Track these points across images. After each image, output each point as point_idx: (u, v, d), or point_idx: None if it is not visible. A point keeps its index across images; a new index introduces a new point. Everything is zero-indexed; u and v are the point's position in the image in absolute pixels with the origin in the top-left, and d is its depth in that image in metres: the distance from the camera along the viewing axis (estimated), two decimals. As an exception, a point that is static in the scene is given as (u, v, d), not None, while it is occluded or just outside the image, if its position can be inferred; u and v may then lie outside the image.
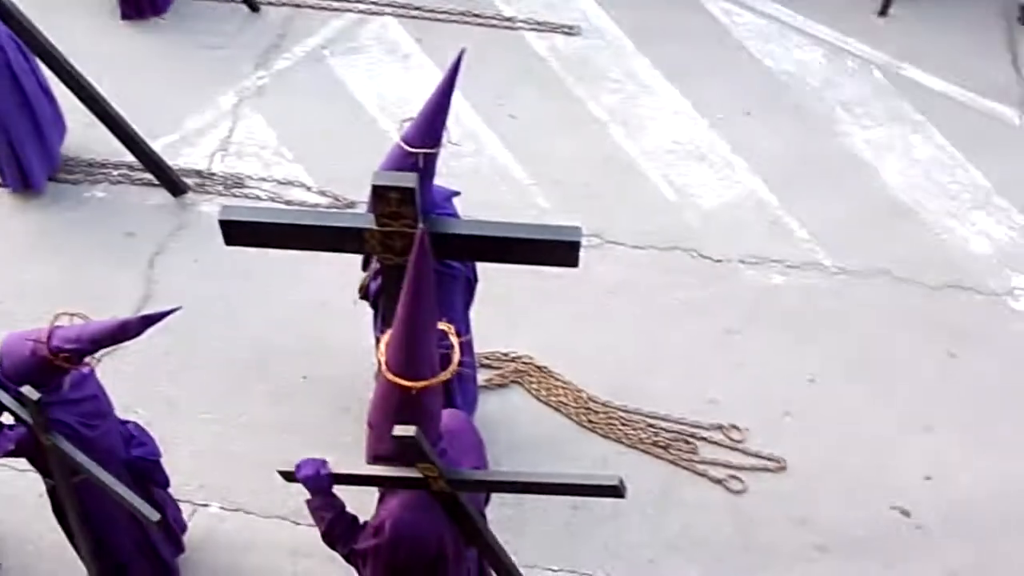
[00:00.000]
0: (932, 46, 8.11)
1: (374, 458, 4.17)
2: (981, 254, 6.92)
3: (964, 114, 7.70)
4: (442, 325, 4.07)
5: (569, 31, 8.11)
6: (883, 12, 8.30)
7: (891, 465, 5.97)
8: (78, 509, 4.83)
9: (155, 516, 4.52)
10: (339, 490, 4.29)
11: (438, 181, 5.19)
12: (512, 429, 6.05)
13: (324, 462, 4.21)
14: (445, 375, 4.00)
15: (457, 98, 7.34)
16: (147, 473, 5.01)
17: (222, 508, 5.80)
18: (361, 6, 8.27)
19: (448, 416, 4.39)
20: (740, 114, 7.64)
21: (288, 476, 4.29)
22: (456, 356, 4.05)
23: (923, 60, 8.01)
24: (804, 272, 6.78)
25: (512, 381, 6.24)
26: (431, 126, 4.81)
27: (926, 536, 5.72)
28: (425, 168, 4.79)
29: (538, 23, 8.16)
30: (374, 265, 5.25)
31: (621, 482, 4.15)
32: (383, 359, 3.95)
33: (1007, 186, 7.27)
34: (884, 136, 7.55)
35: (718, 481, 5.87)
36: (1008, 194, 7.23)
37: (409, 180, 4.58)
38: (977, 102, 7.80)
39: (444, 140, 4.89)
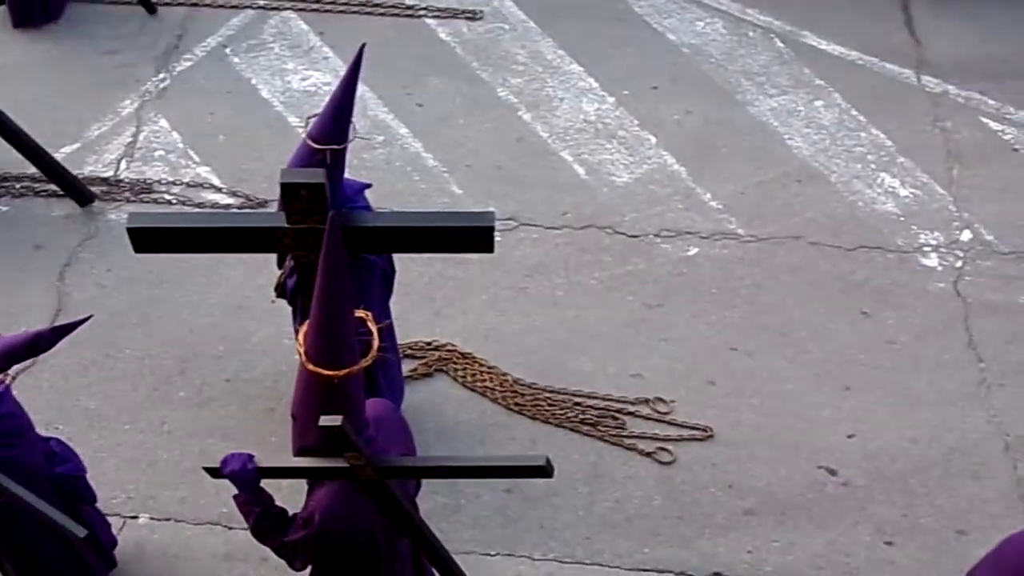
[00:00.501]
0: (829, 13, 8.25)
1: (301, 450, 4.16)
2: (889, 214, 7.06)
3: (864, 77, 7.85)
4: (359, 312, 4.06)
5: (472, 16, 8.10)
6: (780, -19, 8.42)
7: (815, 426, 6.07)
8: (2, 530, 4.73)
9: (82, 533, 4.45)
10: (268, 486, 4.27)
11: (349, 174, 5.16)
12: (439, 417, 6.05)
13: (251, 456, 4.19)
14: (366, 361, 4.00)
15: (363, 90, 7.37)
16: (72, 490, 4.92)
17: (152, 519, 5.73)
18: (260, 1, 8.18)
19: (374, 405, 4.39)
20: (647, 90, 7.70)
21: (214, 472, 4.25)
22: (376, 342, 4.05)
23: (821, 27, 8.14)
24: (719, 242, 6.86)
25: (437, 370, 6.23)
26: (337, 123, 4.78)
27: (853, 493, 5.83)
28: (333, 163, 4.76)
29: (440, 10, 8.14)
30: (289, 263, 5.22)
31: (548, 461, 4.17)
32: (302, 350, 3.94)
33: (910, 146, 7.43)
34: (788, 103, 7.67)
35: (648, 454, 5.92)
36: (911, 154, 7.38)
37: (318, 176, 4.54)
38: (876, 65, 7.96)
39: (351, 135, 4.86)
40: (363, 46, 4.90)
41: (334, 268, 3.82)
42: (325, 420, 3.84)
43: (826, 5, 8.29)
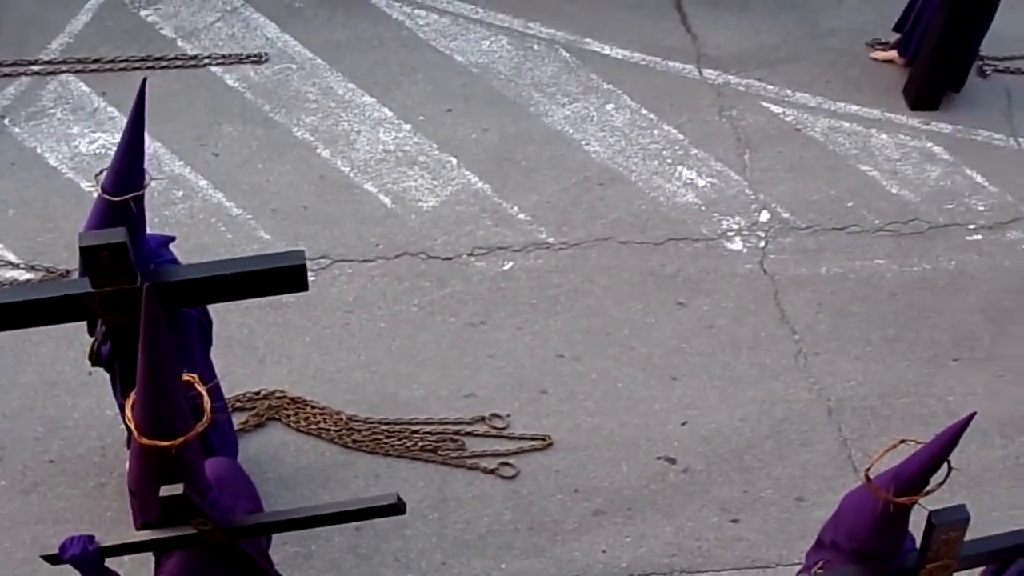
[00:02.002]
0: (608, 19, 8.46)
1: (144, 525, 4.02)
2: (691, 204, 7.28)
3: (650, 77, 8.08)
4: (185, 376, 3.96)
5: (258, 60, 8.01)
6: (557, -7, 8.60)
7: (649, 419, 6.20)
8: None
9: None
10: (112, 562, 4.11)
11: (152, 231, 5.03)
12: (278, 465, 5.94)
13: (91, 537, 4.03)
14: (201, 426, 3.90)
15: (156, 146, 7.22)
16: None
17: (-12, 617, 5.45)
18: (35, 68, 7.90)
19: (213, 465, 4.28)
20: (442, 113, 7.75)
21: (53, 560, 4.07)
22: (207, 404, 3.95)
23: (603, 33, 8.35)
24: (532, 253, 6.95)
25: (269, 418, 6.12)
26: (129, 169, 4.63)
27: (694, 477, 5.98)
28: (133, 217, 4.62)
29: (224, 56, 8.01)
30: (101, 328, 5.04)
31: (399, 498, 4.15)
32: (132, 424, 3.81)
33: (701, 137, 7.68)
34: (581, 110, 7.83)
35: (491, 471, 5.94)
36: (703, 145, 7.64)
37: (118, 236, 4.41)
38: (659, 64, 8.20)
39: (147, 180, 4.72)
40: (144, 80, 4.77)
41: (155, 338, 3.70)
42: (166, 491, 3.73)
43: (604, 12, 8.51)
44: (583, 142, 7.63)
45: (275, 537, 4.70)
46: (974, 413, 3.73)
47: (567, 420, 6.17)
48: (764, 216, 7.25)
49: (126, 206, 4.61)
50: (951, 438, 3.66)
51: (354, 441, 6.03)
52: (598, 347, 6.50)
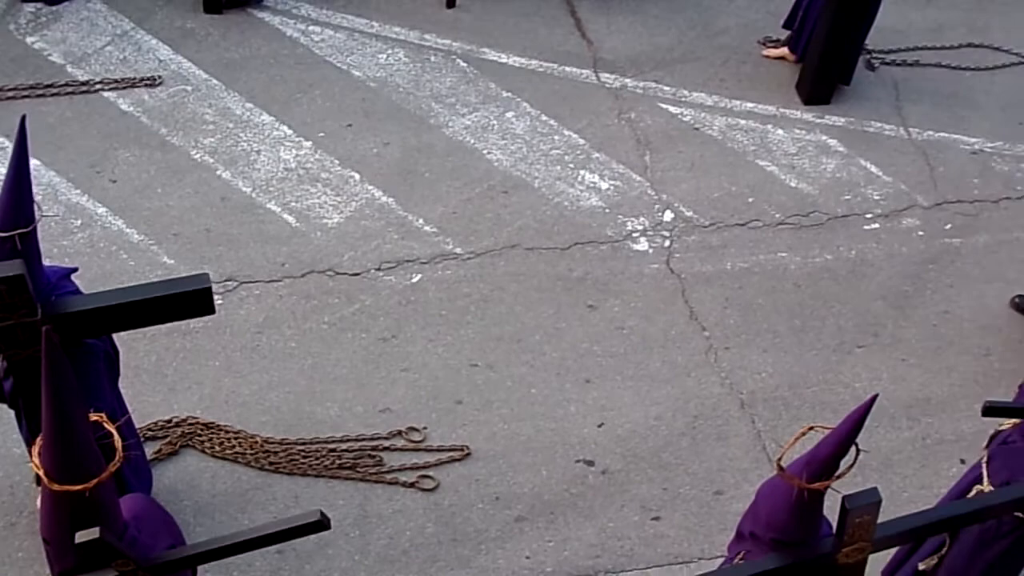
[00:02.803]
0: (504, 27, 8.51)
1: (62, 573, 3.91)
2: (595, 208, 7.34)
3: (548, 83, 8.14)
4: (93, 416, 3.87)
5: (152, 83, 7.89)
6: (450, 4, 8.61)
7: (565, 423, 6.23)
8: None
9: None
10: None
11: (51, 263, 4.93)
12: (195, 493, 5.85)
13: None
14: (114, 466, 3.82)
15: (51, 175, 7.08)
16: None
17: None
18: (-81, 102, 7.70)
19: (128, 502, 4.20)
20: (342, 128, 7.71)
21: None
22: (119, 443, 3.87)
23: (499, 42, 8.39)
24: (440, 264, 6.94)
25: (182, 446, 6.02)
26: (17, 204, 4.50)
27: (613, 478, 6.02)
28: (25, 249, 4.51)
29: (117, 81, 7.88)
30: (2, 364, 4.92)
31: (323, 514, 4.11)
32: (42, 471, 3.72)
33: (602, 141, 7.76)
34: (481, 119, 7.85)
35: (411, 484, 5.92)
36: (604, 148, 7.71)
37: (15, 268, 4.30)
38: (557, 70, 8.26)
39: (37, 215, 4.62)
40: (23, 118, 4.66)
41: (58, 381, 3.59)
42: (82, 536, 3.63)
43: (499, 21, 8.55)
44: (485, 151, 7.65)
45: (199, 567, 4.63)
46: (876, 395, 3.81)
47: (484, 429, 6.17)
48: (668, 216, 7.34)
49: (12, 242, 4.49)
50: (856, 421, 3.73)
51: (271, 463, 5.96)
52: (511, 354, 6.51)
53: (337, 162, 7.50)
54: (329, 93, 7.94)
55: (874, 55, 8.54)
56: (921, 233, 7.42)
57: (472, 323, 6.65)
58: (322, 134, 7.67)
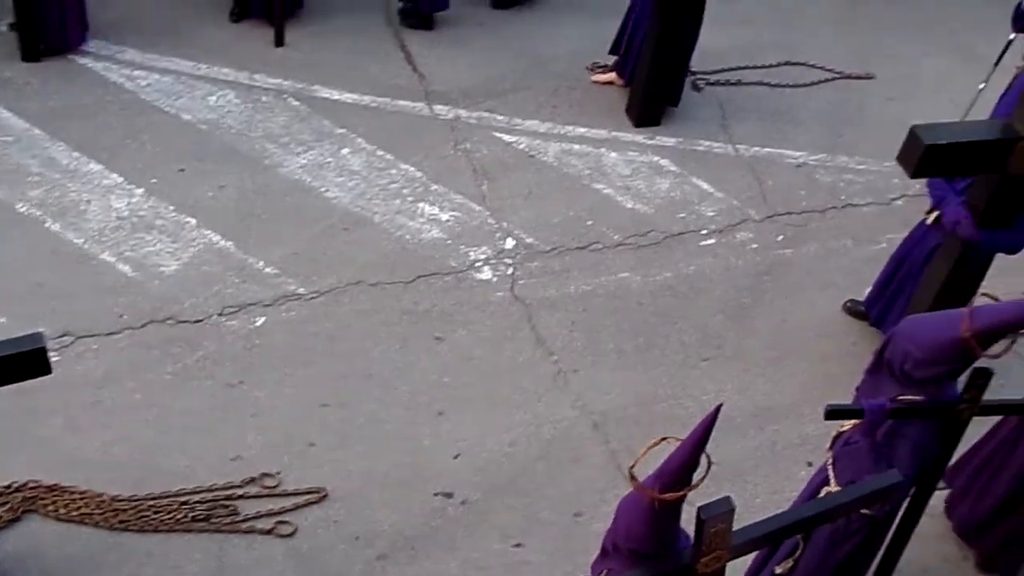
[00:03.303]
0: (334, 64, 8.49)
1: None
2: (437, 240, 7.36)
3: (382, 118, 8.14)
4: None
5: (-32, 137, 7.60)
6: (279, 43, 8.54)
7: (421, 457, 6.20)
8: None
9: None
10: None
11: None
12: (41, 560, 5.62)
13: None
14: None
15: None
16: None
17: None
18: None
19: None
20: (175, 173, 7.56)
21: None
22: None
23: (330, 78, 8.36)
24: (283, 306, 6.85)
25: (24, 511, 5.78)
26: None
27: (473, 508, 6.01)
28: None
29: (-68, 137, 7.57)
30: None
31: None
32: None
33: (439, 173, 7.78)
34: (317, 157, 7.80)
35: (268, 531, 5.80)
36: (442, 180, 7.74)
37: None
38: (390, 105, 8.27)
39: None
40: None
41: None
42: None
43: (329, 58, 8.52)
44: (323, 189, 7.59)
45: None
46: (720, 405, 3.90)
47: (340, 469, 6.10)
48: (509, 243, 7.40)
49: None
50: (703, 431, 3.81)
51: (121, 522, 5.77)
52: (361, 391, 6.46)
53: (172, 208, 7.34)
54: (159, 138, 7.77)
55: (699, 76, 8.80)
56: (755, 246, 7.65)
57: (320, 363, 6.58)
58: (154, 180, 7.49)
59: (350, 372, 6.54)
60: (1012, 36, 7.89)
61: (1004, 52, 8.06)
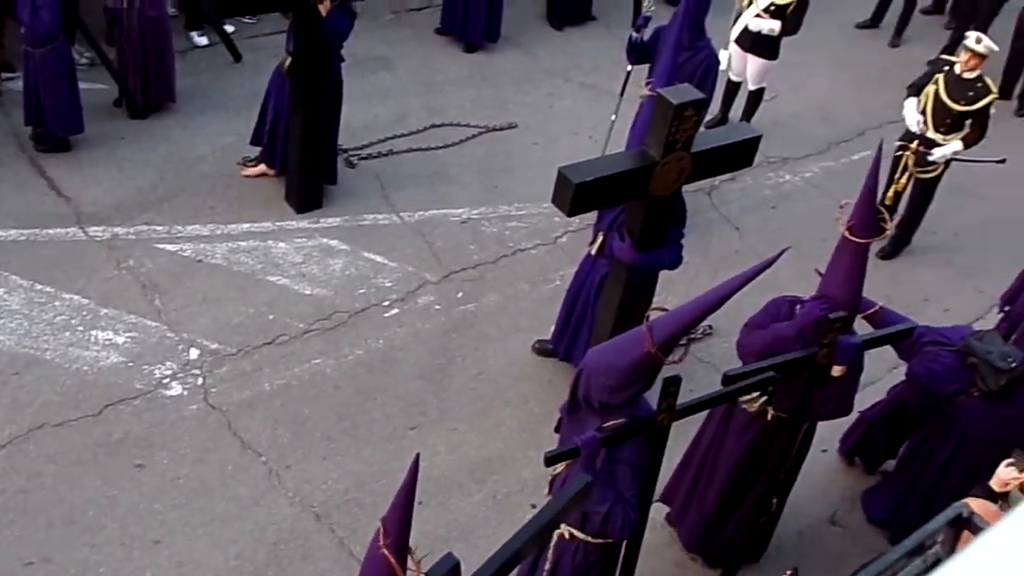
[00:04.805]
0: (-32, 203, 8.02)
1: None
2: (117, 364, 7.05)
3: (34, 250, 7.74)
4: None
5: None
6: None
7: (144, 592, 5.91)
8: None
9: None
10: None
11: None
12: None
13: None
14: None
15: None
16: None
17: None
18: None
19: None
20: None
21: None
22: None
23: (-32, 219, 7.90)
24: (-37, 468, 6.38)
25: None
26: None
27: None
28: None
29: None
30: None
31: None
32: None
33: (106, 296, 7.47)
34: (-31, 304, 7.34)
35: None
36: (111, 302, 7.43)
37: None
38: (40, 235, 7.88)
39: None
40: None
41: None
42: None
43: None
44: (-18, 336, 7.15)
45: None
46: (417, 455, 3.92)
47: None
48: (194, 353, 7.19)
49: None
50: (407, 492, 3.81)
51: None
52: (67, 539, 6.08)
53: None
54: None
55: (350, 153, 8.90)
56: (438, 307, 7.80)
57: (15, 520, 6.14)
58: None
59: (51, 521, 6.15)
60: (629, 68, 8.49)
61: (625, 84, 8.65)
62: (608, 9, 11.33)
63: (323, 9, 7.44)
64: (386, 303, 7.77)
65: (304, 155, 8.13)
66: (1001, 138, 9.30)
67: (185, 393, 6.94)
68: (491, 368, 7.40)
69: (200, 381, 7.02)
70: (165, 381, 7.00)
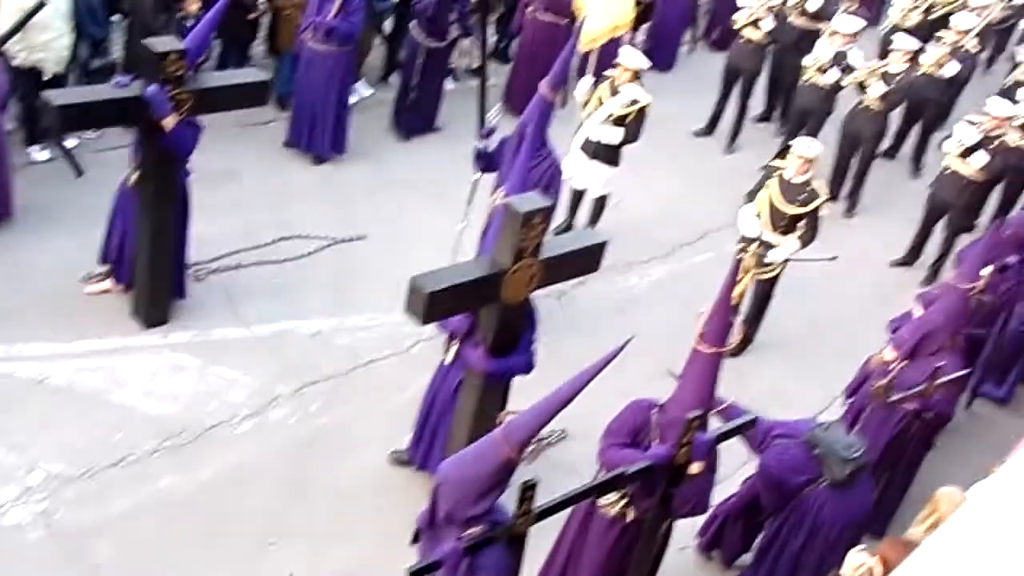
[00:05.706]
0: None
1: None
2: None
3: None
4: None
5: None
6: None
7: None
8: None
9: None
10: None
11: None
12: None
13: None
14: None
15: None
16: None
17: None
18: None
19: None
20: None
21: None
22: None
23: None
24: None
25: None
26: None
27: None
28: None
29: None
30: None
31: None
32: None
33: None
34: None
35: None
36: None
37: None
38: None
39: None
40: None
41: None
42: None
43: None
44: None
45: None
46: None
47: None
48: (37, 478, 6.91)
49: None
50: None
51: None
52: None
53: None
54: None
55: (198, 267, 8.77)
56: (292, 421, 7.69)
57: None
58: None
59: None
60: (476, 176, 8.64)
61: (473, 192, 8.79)
62: (453, 120, 11.53)
63: (167, 124, 7.39)
64: (238, 419, 7.62)
65: (152, 269, 7.98)
66: (832, 238, 9.74)
67: (26, 521, 6.64)
68: (349, 480, 7.31)
69: (43, 507, 6.74)
70: (3, 509, 6.70)
